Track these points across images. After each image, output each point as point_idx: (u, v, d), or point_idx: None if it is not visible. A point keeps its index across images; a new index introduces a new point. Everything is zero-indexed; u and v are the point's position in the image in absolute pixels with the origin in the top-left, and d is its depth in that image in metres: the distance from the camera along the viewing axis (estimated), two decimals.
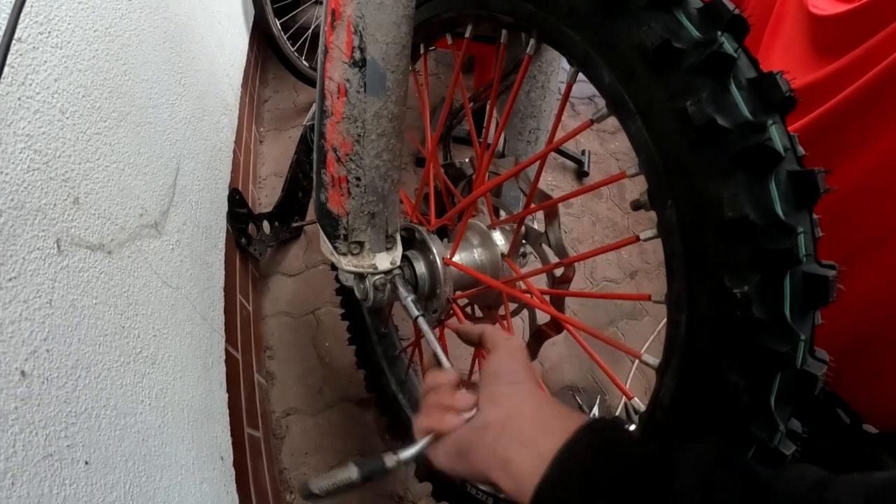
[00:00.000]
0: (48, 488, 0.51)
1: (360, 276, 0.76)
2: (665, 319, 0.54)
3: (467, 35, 0.78)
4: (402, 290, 0.76)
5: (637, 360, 0.67)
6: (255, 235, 1.62)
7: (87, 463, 0.58)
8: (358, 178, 0.68)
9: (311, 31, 2.40)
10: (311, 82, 2.37)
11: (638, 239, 0.57)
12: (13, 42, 0.57)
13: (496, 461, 0.47)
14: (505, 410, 0.50)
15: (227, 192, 1.45)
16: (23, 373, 0.51)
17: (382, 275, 0.76)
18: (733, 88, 0.45)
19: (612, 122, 0.55)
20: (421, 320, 0.73)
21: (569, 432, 0.44)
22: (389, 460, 0.54)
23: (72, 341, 0.60)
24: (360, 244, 0.74)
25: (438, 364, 0.64)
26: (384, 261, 0.76)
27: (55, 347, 0.57)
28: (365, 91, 0.63)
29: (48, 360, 0.56)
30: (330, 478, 0.53)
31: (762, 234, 0.44)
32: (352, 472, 0.53)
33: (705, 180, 0.45)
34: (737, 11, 0.47)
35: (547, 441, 0.44)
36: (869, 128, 1.10)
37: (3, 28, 0.52)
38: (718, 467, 0.38)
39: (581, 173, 2.25)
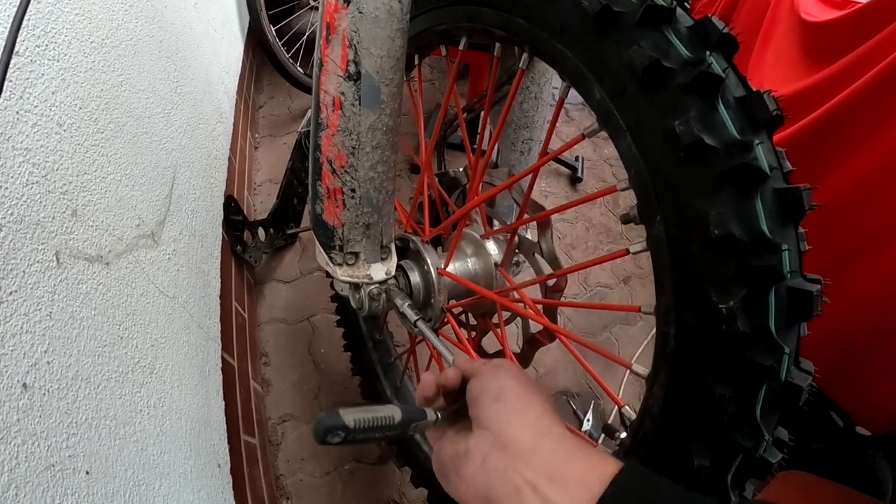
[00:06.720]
0: (50, 499, 0.52)
1: (356, 286, 0.77)
2: (655, 329, 0.55)
3: (461, 47, 0.79)
4: (398, 300, 0.77)
5: (627, 370, 0.68)
6: (251, 242, 1.62)
7: (88, 473, 0.59)
8: (353, 190, 0.69)
9: (305, 37, 2.41)
10: (305, 88, 2.38)
11: (628, 252, 0.58)
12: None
13: (503, 490, 0.41)
14: (492, 434, 0.45)
15: (222, 200, 1.46)
16: (24, 385, 0.52)
17: (377, 284, 0.77)
18: (721, 107, 0.46)
19: None
20: (421, 323, 0.74)
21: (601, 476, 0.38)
22: (431, 413, 0.49)
23: (71, 353, 0.61)
24: (356, 255, 0.75)
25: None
26: (379, 271, 0.77)
27: (56, 359, 0.58)
28: (360, 104, 0.64)
29: (49, 372, 0.56)
30: (368, 412, 0.45)
31: (748, 250, 0.45)
32: (394, 413, 0.46)
33: (693, 197, 0.46)
34: (726, 30, 0.48)
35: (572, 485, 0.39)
36: (861, 133, 1.11)
37: (2, 44, 0.52)
38: None
39: (575, 179, 2.26)
